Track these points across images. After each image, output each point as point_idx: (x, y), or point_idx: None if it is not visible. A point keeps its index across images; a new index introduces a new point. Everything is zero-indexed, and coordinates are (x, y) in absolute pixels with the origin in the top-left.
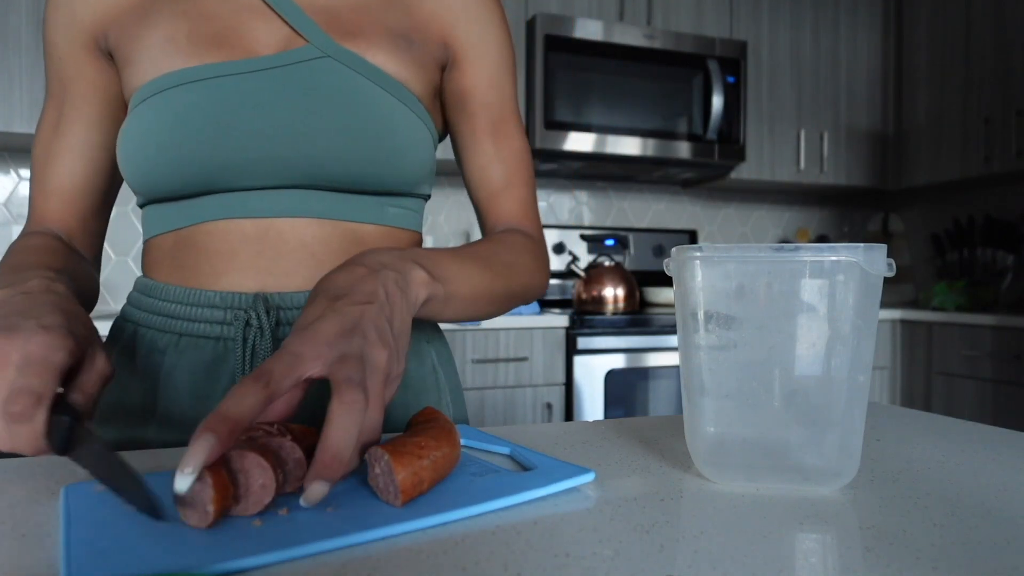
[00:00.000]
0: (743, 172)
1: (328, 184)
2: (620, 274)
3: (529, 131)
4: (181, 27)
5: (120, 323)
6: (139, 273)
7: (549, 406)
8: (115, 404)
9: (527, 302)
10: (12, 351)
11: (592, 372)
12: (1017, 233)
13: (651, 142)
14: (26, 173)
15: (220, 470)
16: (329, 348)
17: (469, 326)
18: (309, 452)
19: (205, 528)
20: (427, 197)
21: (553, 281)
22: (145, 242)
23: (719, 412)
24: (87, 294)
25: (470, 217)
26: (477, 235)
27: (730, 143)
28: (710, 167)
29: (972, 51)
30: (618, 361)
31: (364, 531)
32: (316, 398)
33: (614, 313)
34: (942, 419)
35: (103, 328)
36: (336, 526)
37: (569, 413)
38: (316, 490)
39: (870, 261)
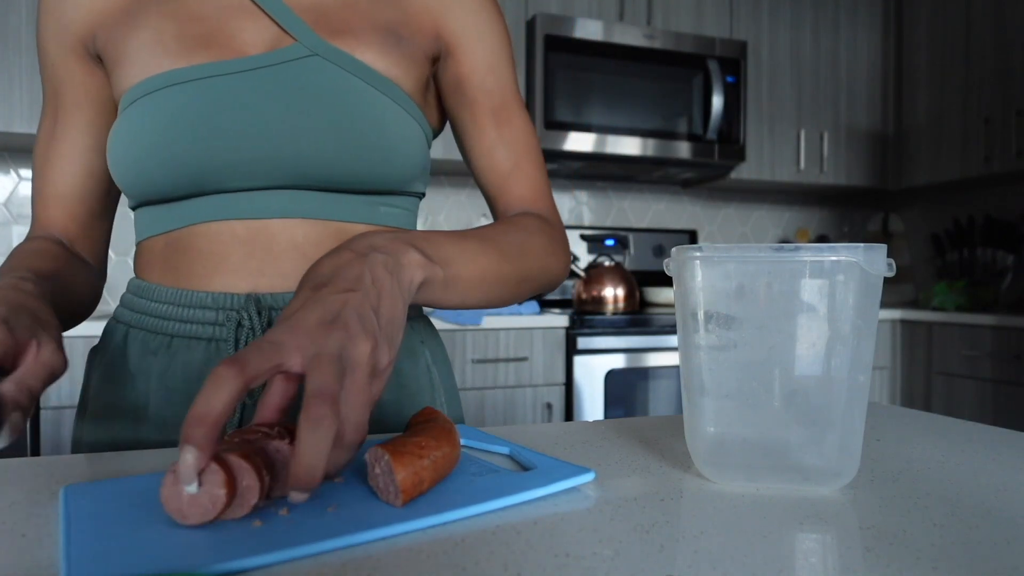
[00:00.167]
0: (743, 172)
1: (318, 184)
2: (620, 274)
3: None
4: (168, 28)
5: (112, 325)
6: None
7: (549, 406)
8: (109, 405)
9: (548, 286)
10: None
11: (592, 372)
12: (1017, 233)
13: (651, 142)
14: (26, 173)
15: (222, 460)
16: (310, 339)
17: (469, 326)
18: None
19: (212, 519)
20: (421, 195)
21: None
22: (137, 244)
23: (719, 412)
24: (75, 296)
25: (470, 217)
26: None
27: (730, 143)
28: (710, 167)
29: (972, 51)
30: (618, 361)
31: (364, 531)
32: None
33: (614, 313)
34: (942, 419)
35: (99, 330)
36: (336, 526)
37: (569, 413)
38: (296, 497)
39: (870, 261)
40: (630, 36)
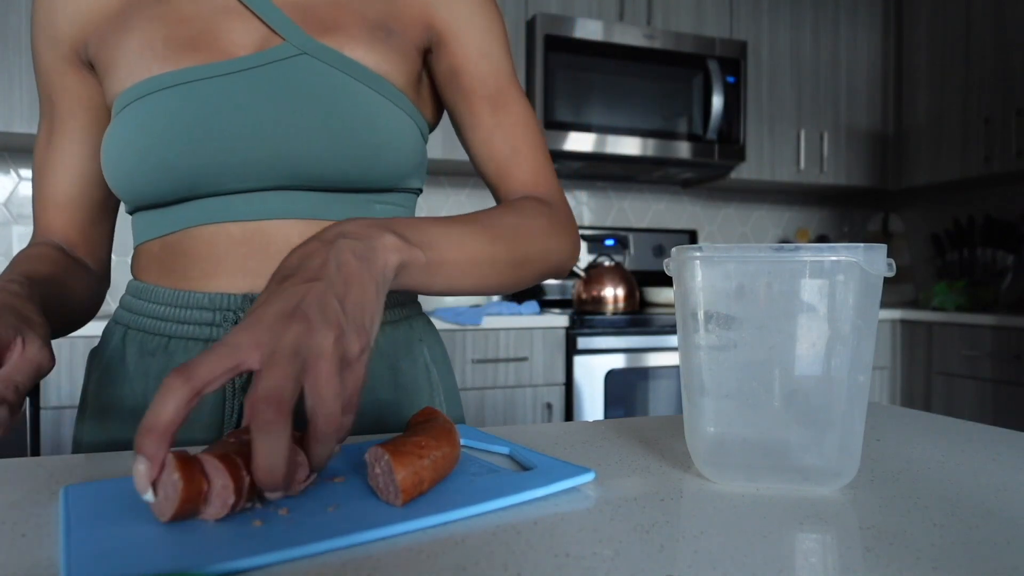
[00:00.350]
0: (743, 172)
1: (312, 184)
2: (620, 274)
3: None
4: (158, 32)
5: (111, 326)
6: None
7: (549, 406)
8: (108, 406)
9: (555, 270)
10: None
11: (592, 372)
12: (1017, 233)
13: (651, 142)
14: (26, 173)
15: (190, 461)
16: (268, 334)
17: (469, 325)
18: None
19: (175, 510)
20: (418, 192)
21: (553, 281)
22: (135, 248)
23: (719, 412)
24: (72, 299)
25: None
26: None
27: (730, 143)
28: (710, 167)
29: (972, 51)
30: (618, 361)
31: (364, 531)
32: None
33: (614, 313)
34: (942, 419)
35: (100, 331)
36: (336, 526)
37: (569, 413)
38: (271, 495)
39: (870, 261)
40: (630, 36)
